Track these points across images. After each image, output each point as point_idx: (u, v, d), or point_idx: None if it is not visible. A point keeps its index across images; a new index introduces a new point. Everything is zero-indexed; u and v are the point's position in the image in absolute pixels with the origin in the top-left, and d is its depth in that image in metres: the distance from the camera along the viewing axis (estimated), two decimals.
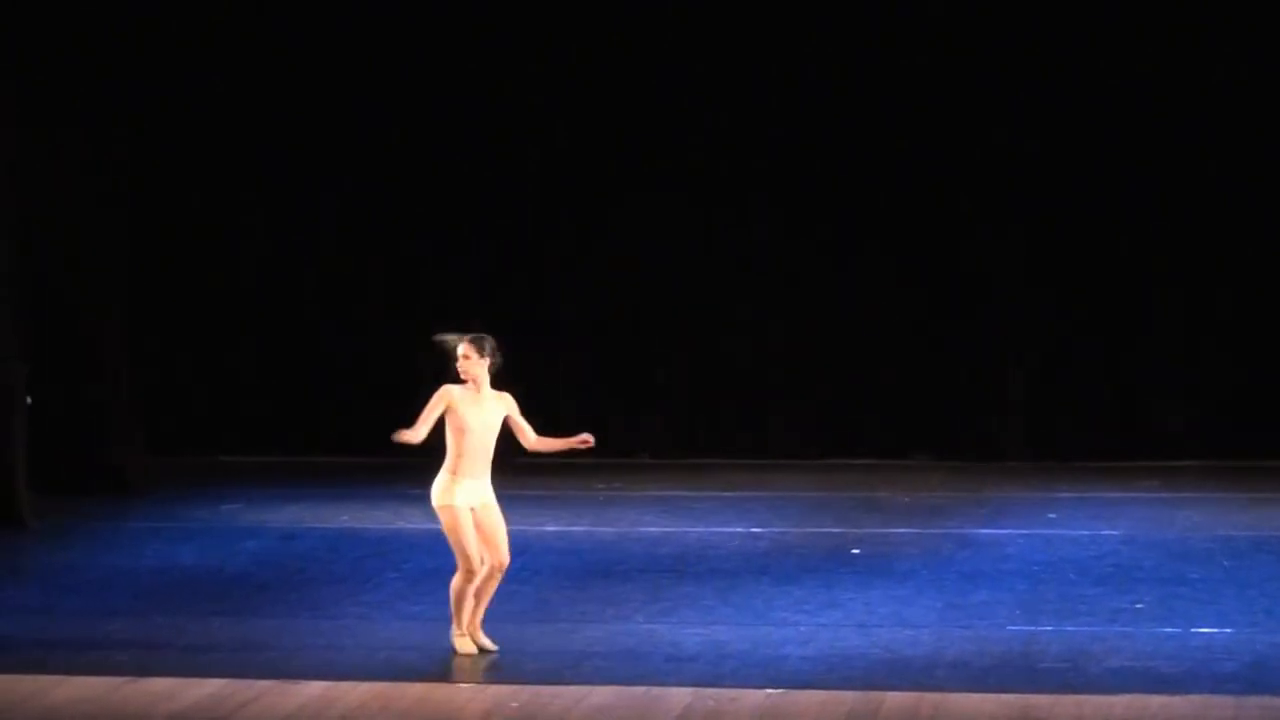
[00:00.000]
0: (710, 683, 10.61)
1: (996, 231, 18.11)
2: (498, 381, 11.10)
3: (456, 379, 11.02)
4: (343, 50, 18.24)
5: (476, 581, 11.06)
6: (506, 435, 11.16)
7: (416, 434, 10.94)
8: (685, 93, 18.13)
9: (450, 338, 11.11)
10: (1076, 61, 17.75)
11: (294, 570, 13.72)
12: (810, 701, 10.28)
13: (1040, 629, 11.82)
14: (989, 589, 12.89)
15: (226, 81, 18.27)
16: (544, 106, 18.25)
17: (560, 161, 18.32)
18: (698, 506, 16.11)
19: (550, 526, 15.17)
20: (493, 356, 11.05)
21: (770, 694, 10.40)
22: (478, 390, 11.01)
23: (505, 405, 11.10)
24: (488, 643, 11.14)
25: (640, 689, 10.50)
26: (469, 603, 11.09)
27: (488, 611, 11.19)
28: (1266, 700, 10.20)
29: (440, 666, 11.03)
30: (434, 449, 11.10)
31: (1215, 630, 11.72)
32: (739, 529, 15.11)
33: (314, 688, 10.54)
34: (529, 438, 11.22)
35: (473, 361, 11.01)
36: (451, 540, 11.05)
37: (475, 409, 10.99)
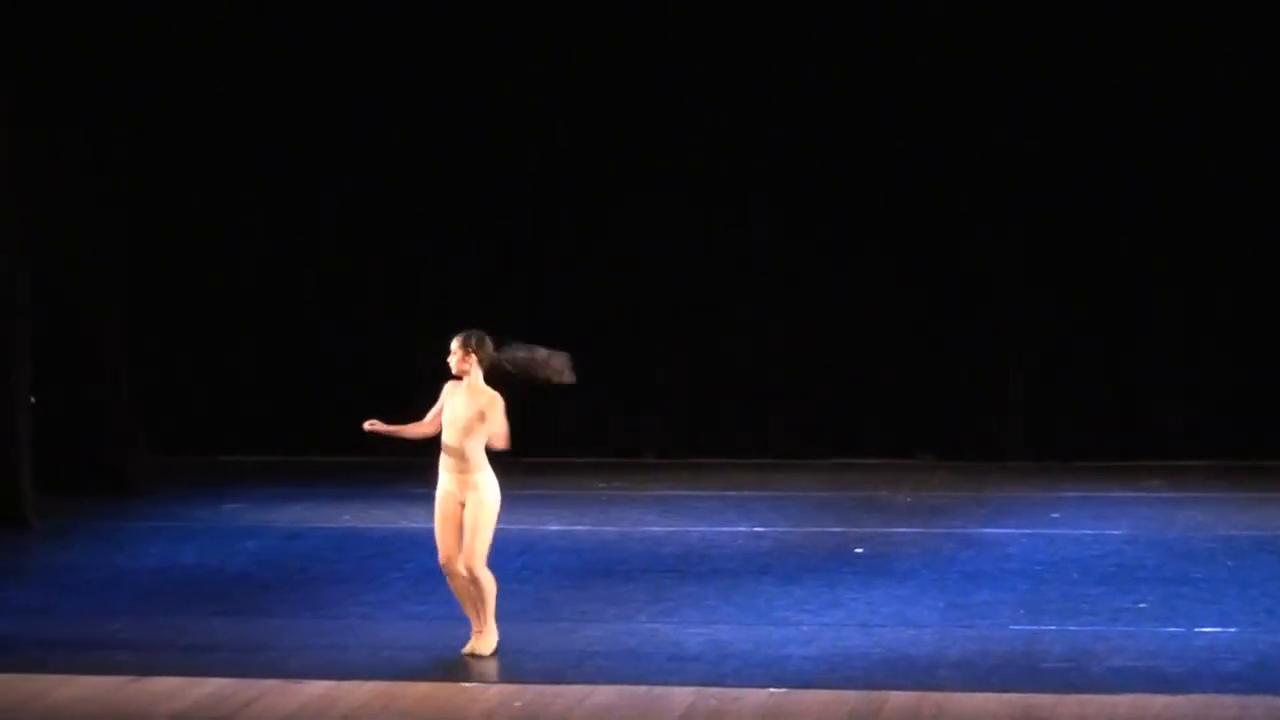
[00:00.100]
0: (713, 682, 10.61)
1: (996, 231, 18.11)
2: (493, 379, 11.11)
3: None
4: (343, 50, 18.23)
5: (450, 577, 11.06)
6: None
7: (421, 428, 11.01)
8: (685, 93, 18.13)
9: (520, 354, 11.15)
10: (1076, 61, 17.75)
11: (296, 570, 13.71)
12: (813, 701, 10.28)
13: (1043, 628, 11.82)
14: (992, 589, 12.89)
15: (226, 81, 18.26)
16: (544, 106, 18.25)
17: (560, 161, 18.31)
18: (699, 506, 16.11)
19: (553, 526, 15.16)
20: (478, 352, 11.07)
21: (773, 693, 10.40)
22: (465, 385, 11.04)
23: (479, 403, 11.04)
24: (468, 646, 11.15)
25: (643, 688, 10.50)
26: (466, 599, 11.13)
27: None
28: (1270, 700, 10.19)
29: (443, 666, 11.03)
30: (433, 449, 11.12)
31: (1218, 630, 11.71)
32: (741, 528, 15.10)
33: (316, 687, 10.54)
34: (493, 441, 11.12)
35: (458, 357, 11.07)
36: None
37: (451, 402, 11.05)
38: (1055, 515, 15.55)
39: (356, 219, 18.50)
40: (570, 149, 18.28)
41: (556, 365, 11.25)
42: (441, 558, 11.07)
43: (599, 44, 18.14)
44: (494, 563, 12.52)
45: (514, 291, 18.29)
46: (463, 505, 11.02)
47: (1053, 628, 11.84)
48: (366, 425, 11.16)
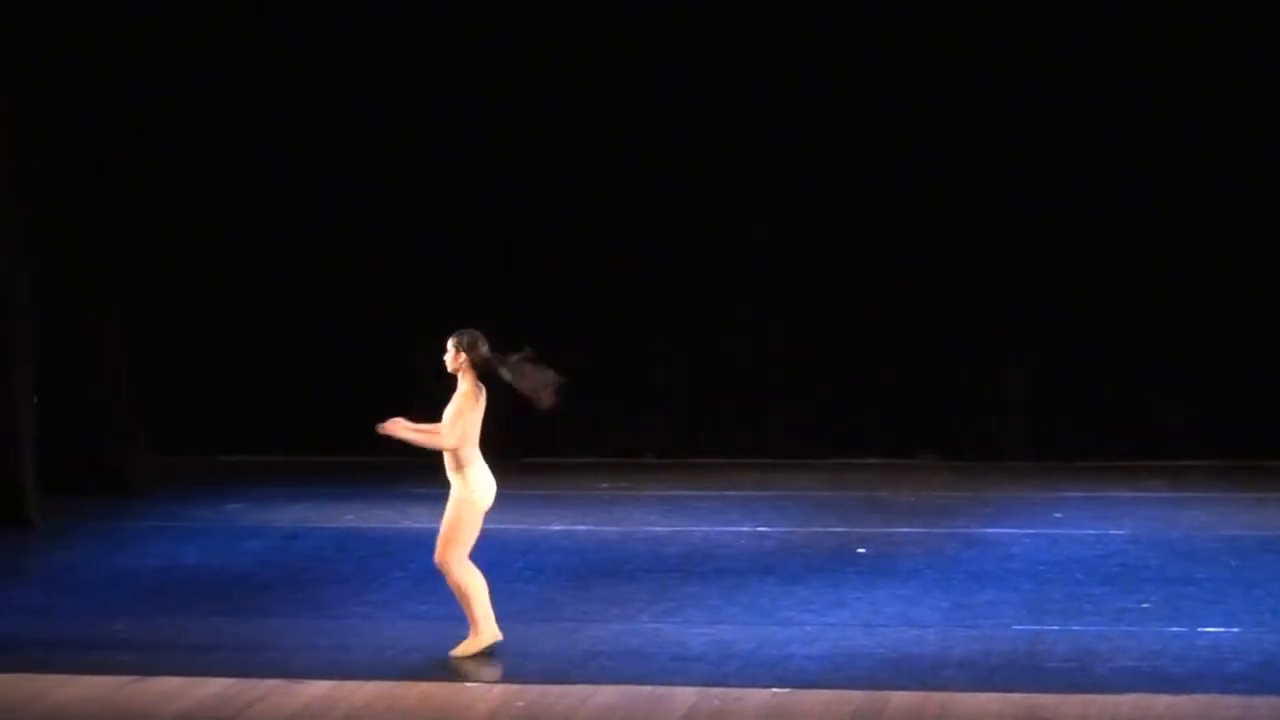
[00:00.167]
0: (716, 682, 10.62)
1: (997, 231, 18.08)
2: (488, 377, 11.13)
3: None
4: (343, 50, 18.20)
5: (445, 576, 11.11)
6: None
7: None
8: (685, 93, 18.10)
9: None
10: (1076, 61, 17.72)
11: (298, 570, 13.70)
12: (816, 701, 10.28)
13: (1046, 629, 11.81)
14: (995, 589, 12.88)
15: (226, 81, 18.23)
16: (544, 106, 18.23)
17: (560, 161, 18.29)
18: (702, 506, 16.10)
19: (555, 526, 15.15)
20: (469, 352, 11.07)
21: (776, 693, 10.40)
22: (457, 384, 11.11)
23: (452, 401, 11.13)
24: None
25: (646, 689, 10.50)
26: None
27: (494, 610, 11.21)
28: (1274, 700, 10.19)
29: (446, 666, 11.02)
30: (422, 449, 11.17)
31: (1222, 630, 11.71)
32: (744, 528, 15.09)
33: (319, 687, 10.53)
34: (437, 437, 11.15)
35: (450, 355, 11.12)
36: None
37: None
38: (1058, 515, 15.54)
39: (356, 219, 18.48)
40: (570, 149, 18.26)
41: (539, 383, 11.21)
42: (434, 556, 11.15)
43: (599, 44, 18.12)
44: (497, 563, 12.58)
45: (514, 291, 18.27)
46: None
47: (1056, 628, 11.83)
48: (386, 426, 11.12)
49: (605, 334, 18.39)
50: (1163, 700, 10.22)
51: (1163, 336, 17.98)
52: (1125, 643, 11.42)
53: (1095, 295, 18.02)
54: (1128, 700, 10.22)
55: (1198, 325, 17.92)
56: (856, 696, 10.32)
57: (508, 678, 10.77)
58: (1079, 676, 10.72)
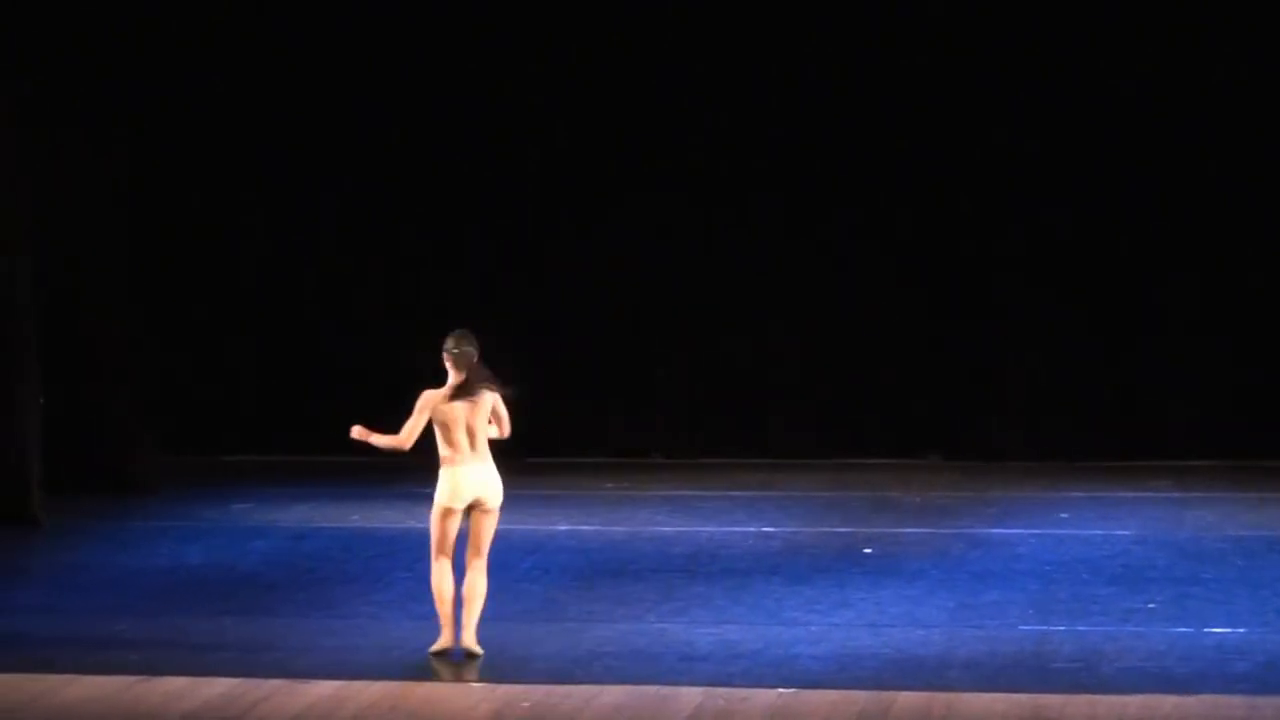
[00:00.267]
0: (721, 682, 10.61)
1: (1001, 231, 18.06)
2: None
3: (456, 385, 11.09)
4: (343, 50, 18.19)
5: None
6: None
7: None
8: (685, 93, 18.09)
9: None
10: (1076, 61, 17.71)
11: (304, 570, 13.71)
12: (821, 701, 10.27)
13: (1052, 629, 11.81)
14: (1001, 589, 12.87)
15: (226, 81, 18.22)
16: (544, 106, 18.22)
17: (560, 161, 18.28)
18: (708, 506, 16.09)
19: (561, 526, 15.15)
20: (451, 353, 11.09)
21: (782, 694, 10.39)
22: None
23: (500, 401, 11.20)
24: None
25: (652, 688, 10.50)
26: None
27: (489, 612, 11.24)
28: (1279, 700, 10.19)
29: (451, 666, 11.01)
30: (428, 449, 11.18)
31: (1228, 630, 11.70)
32: (750, 529, 15.09)
33: (325, 687, 10.53)
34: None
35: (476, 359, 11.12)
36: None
37: None
38: (1064, 515, 15.53)
39: (356, 219, 18.47)
40: (570, 149, 18.25)
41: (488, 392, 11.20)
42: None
43: (599, 44, 18.11)
44: (503, 563, 12.63)
45: (514, 291, 18.28)
46: None
47: (1062, 628, 11.82)
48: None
49: (607, 334, 18.38)
50: (1169, 700, 10.21)
51: (1167, 336, 17.97)
52: (1131, 643, 11.41)
53: (1101, 294, 18.00)
54: (1134, 701, 10.21)
55: (1203, 325, 17.91)
56: (862, 697, 10.31)
57: (513, 678, 10.76)
58: (1085, 677, 10.72)
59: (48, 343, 16.02)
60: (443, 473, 11.09)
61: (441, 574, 11.12)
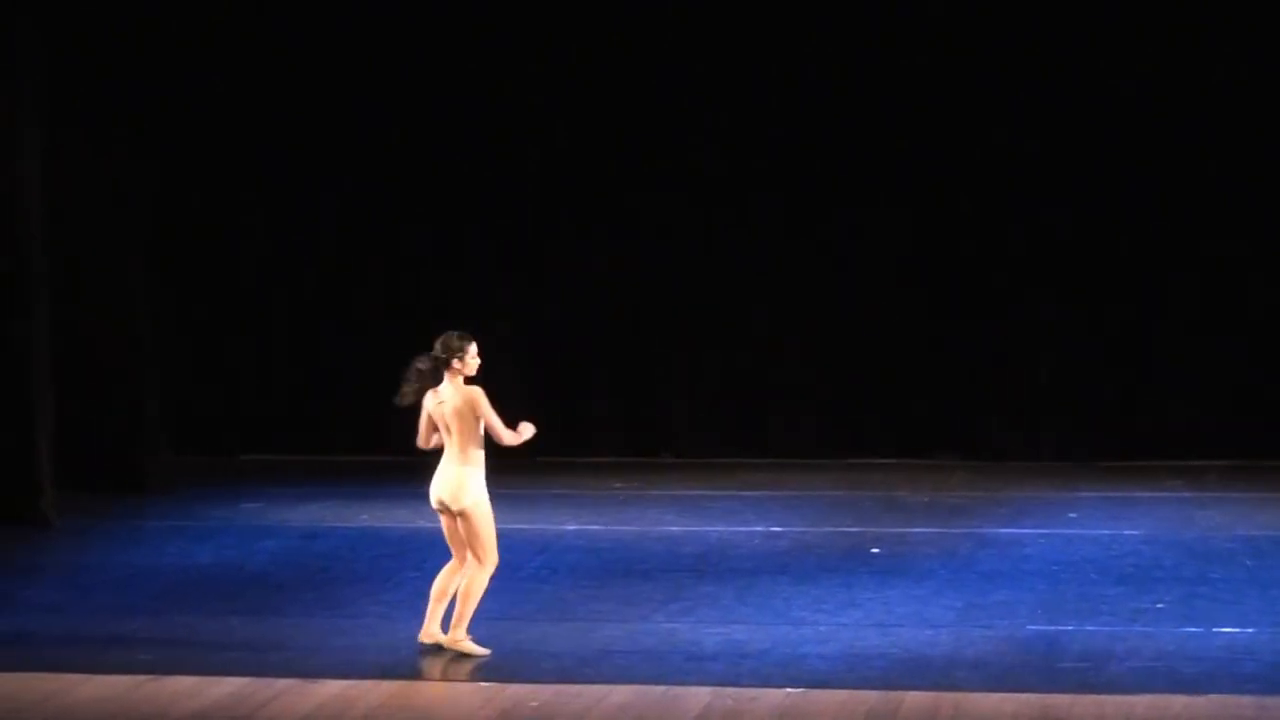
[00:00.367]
0: (729, 682, 10.62)
1: (1009, 232, 18.04)
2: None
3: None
4: (343, 50, 18.19)
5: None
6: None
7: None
8: (685, 93, 18.09)
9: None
10: (1076, 61, 17.69)
11: (314, 569, 13.73)
12: (829, 701, 10.28)
13: (1061, 629, 11.81)
14: (1009, 589, 12.87)
15: (227, 81, 18.24)
16: (544, 106, 18.23)
17: (560, 161, 18.29)
18: (716, 506, 16.10)
19: (569, 525, 15.16)
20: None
21: (789, 693, 10.40)
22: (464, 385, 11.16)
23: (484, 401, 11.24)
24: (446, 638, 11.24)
25: (660, 688, 10.51)
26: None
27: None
28: None
29: (460, 666, 11.03)
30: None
31: (1237, 630, 11.70)
32: (758, 528, 15.09)
33: (334, 686, 10.55)
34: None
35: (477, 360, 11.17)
36: (485, 535, 11.09)
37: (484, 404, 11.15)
38: (1073, 515, 15.52)
39: (356, 219, 18.48)
40: (570, 149, 18.26)
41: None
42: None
43: (599, 44, 18.11)
44: (512, 563, 12.64)
45: (514, 291, 18.29)
46: None
47: (1071, 628, 11.82)
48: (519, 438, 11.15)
49: (607, 334, 18.39)
50: (1178, 701, 10.21)
51: (1176, 336, 17.96)
52: (1140, 643, 11.40)
53: (1109, 294, 17.99)
54: (1142, 701, 10.21)
55: (1213, 324, 17.89)
56: (870, 696, 10.32)
57: (522, 677, 10.77)
58: (1093, 677, 10.72)
59: (63, 342, 16.05)
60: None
61: (442, 568, 11.21)
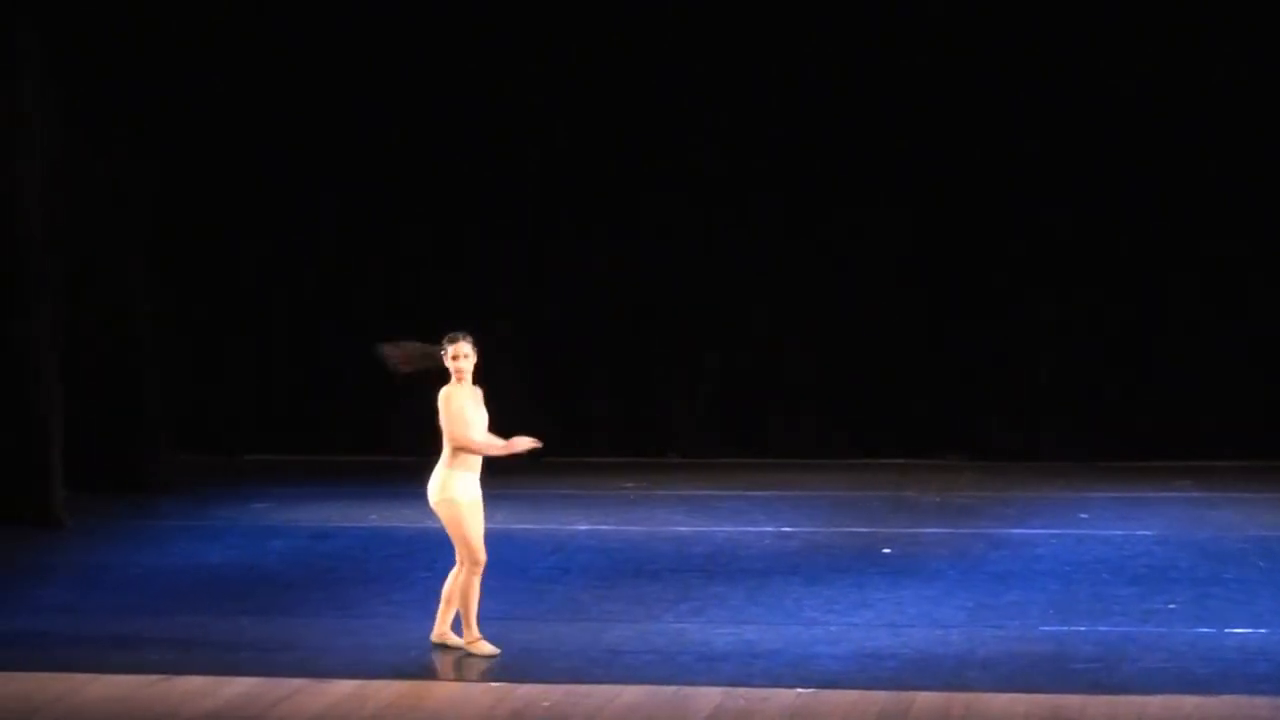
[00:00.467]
0: (740, 682, 10.61)
1: (1020, 231, 18.03)
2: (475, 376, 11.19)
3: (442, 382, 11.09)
4: (343, 50, 18.20)
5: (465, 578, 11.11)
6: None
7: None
8: (685, 93, 18.09)
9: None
10: (1077, 61, 17.67)
11: (324, 569, 13.72)
12: (841, 701, 10.26)
13: (1073, 629, 11.79)
14: (1020, 589, 12.86)
15: (227, 82, 18.23)
16: (544, 106, 18.22)
17: (560, 161, 18.29)
18: (726, 506, 16.09)
19: (580, 526, 15.15)
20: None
21: (801, 694, 10.39)
22: (468, 386, 11.09)
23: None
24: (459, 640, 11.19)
25: (671, 688, 10.50)
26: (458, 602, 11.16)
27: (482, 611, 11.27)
28: None
29: (471, 665, 11.02)
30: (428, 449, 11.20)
31: (1250, 631, 11.67)
32: (768, 529, 15.08)
33: (345, 686, 10.54)
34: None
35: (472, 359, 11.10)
36: (458, 535, 11.06)
37: (475, 405, 11.09)
38: (1084, 516, 15.51)
39: (356, 219, 18.47)
40: (570, 149, 18.25)
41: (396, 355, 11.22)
42: (485, 560, 11.13)
43: (599, 44, 18.11)
44: (522, 564, 12.60)
45: (514, 291, 18.28)
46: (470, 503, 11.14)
47: (1083, 628, 11.80)
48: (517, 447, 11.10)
49: (607, 334, 18.38)
50: (1190, 701, 10.19)
51: (1190, 335, 17.94)
52: (1152, 643, 11.39)
53: (1124, 293, 17.98)
54: (1155, 701, 10.19)
55: (1225, 324, 17.88)
56: (881, 697, 10.30)
57: (533, 677, 10.76)
58: (1105, 677, 10.70)
59: (72, 343, 16.05)
60: None
61: (453, 568, 11.29)
